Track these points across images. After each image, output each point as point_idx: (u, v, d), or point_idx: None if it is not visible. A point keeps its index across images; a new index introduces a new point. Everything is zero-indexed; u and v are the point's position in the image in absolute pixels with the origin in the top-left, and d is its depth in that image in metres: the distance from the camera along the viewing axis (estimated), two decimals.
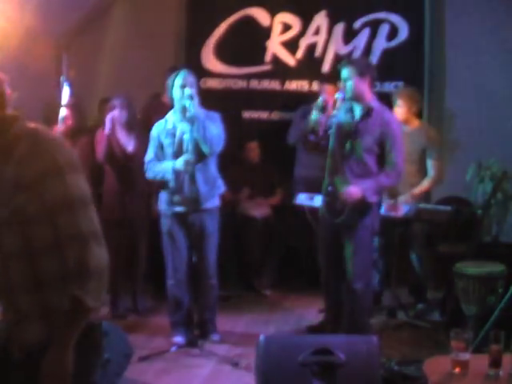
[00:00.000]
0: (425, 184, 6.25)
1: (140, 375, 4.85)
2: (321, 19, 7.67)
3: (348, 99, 5.15)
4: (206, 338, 5.54)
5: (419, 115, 6.79)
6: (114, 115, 5.97)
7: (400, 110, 6.24)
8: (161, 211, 5.47)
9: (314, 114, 5.23)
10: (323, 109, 5.22)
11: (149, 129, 5.55)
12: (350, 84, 5.11)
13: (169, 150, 5.34)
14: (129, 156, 6.05)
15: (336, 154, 5.09)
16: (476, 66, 7.36)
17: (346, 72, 5.13)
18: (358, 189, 5.07)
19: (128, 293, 6.34)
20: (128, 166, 6.06)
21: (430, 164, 6.24)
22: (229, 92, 7.81)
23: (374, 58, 7.51)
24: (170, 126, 5.35)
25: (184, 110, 5.23)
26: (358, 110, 5.18)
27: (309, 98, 7.19)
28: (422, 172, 6.29)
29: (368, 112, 5.13)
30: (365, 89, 5.15)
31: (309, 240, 6.41)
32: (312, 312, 6.24)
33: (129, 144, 6.07)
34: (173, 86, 5.30)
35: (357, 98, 5.14)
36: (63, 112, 5.55)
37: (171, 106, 5.42)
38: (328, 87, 6.59)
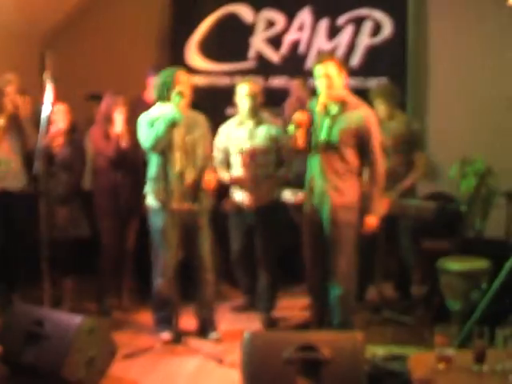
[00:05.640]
0: (410, 178, 6.28)
1: (125, 372, 4.84)
2: (304, 15, 7.69)
3: (324, 95, 5.10)
4: (204, 337, 5.53)
5: (402, 108, 6.82)
6: (122, 113, 5.96)
7: (382, 107, 6.26)
8: (151, 208, 5.45)
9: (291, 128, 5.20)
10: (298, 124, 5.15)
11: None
12: (329, 80, 5.08)
13: None
14: (123, 153, 6.01)
15: (317, 149, 5.08)
16: (459, 62, 7.40)
17: (326, 68, 5.09)
18: (375, 218, 5.17)
19: (113, 290, 6.33)
20: (122, 163, 6.04)
21: (414, 156, 6.29)
22: (212, 89, 7.81)
23: (358, 55, 7.53)
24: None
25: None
26: (332, 106, 5.16)
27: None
28: (408, 164, 6.33)
29: (343, 107, 5.12)
30: (341, 85, 5.14)
31: (294, 237, 6.42)
32: (297, 308, 6.26)
33: (124, 140, 6.00)
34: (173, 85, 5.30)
35: (334, 93, 5.12)
36: (51, 111, 5.50)
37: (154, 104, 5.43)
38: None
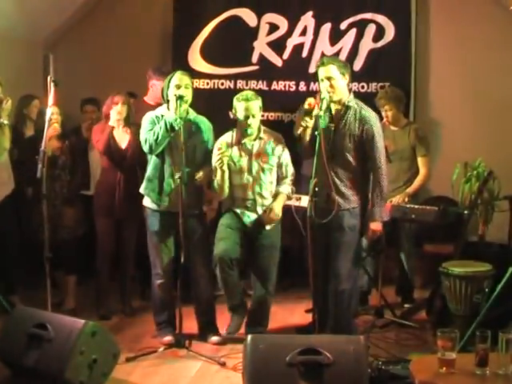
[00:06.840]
0: (417, 183, 6.35)
1: (127, 375, 4.84)
2: (307, 20, 7.67)
3: (327, 99, 5.10)
4: (204, 340, 5.54)
5: (406, 113, 6.87)
6: (118, 110, 5.98)
7: (390, 113, 6.34)
8: (147, 209, 5.47)
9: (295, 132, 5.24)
10: (310, 113, 5.16)
11: None
12: (332, 83, 5.08)
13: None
14: (122, 152, 6.03)
15: (321, 154, 5.06)
16: (462, 66, 7.39)
17: (328, 70, 5.10)
18: (378, 223, 5.20)
19: (115, 293, 6.34)
20: (121, 163, 6.05)
21: (420, 160, 6.36)
22: (216, 92, 7.80)
23: (361, 59, 7.53)
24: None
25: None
26: (336, 110, 5.17)
27: (295, 98, 7.23)
28: (413, 168, 6.38)
29: (346, 111, 5.13)
30: (344, 88, 5.15)
31: (297, 240, 6.42)
32: (299, 312, 6.25)
33: (123, 140, 6.04)
34: (168, 86, 5.30)
35: (337, 96, 5.12)
36: (51, 112, 5.49)
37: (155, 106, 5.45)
38: None
